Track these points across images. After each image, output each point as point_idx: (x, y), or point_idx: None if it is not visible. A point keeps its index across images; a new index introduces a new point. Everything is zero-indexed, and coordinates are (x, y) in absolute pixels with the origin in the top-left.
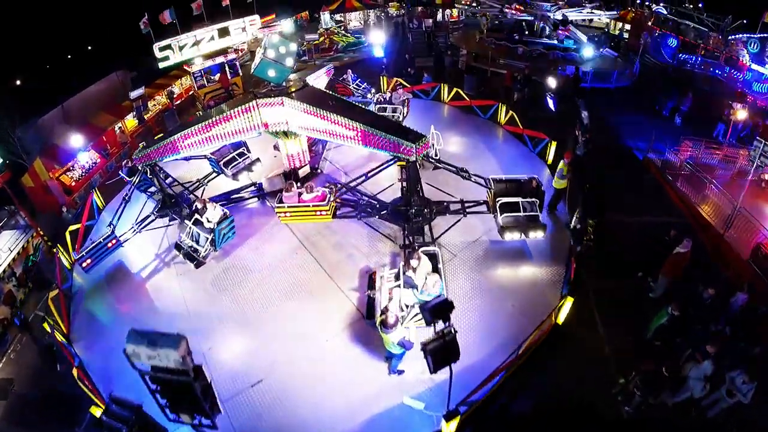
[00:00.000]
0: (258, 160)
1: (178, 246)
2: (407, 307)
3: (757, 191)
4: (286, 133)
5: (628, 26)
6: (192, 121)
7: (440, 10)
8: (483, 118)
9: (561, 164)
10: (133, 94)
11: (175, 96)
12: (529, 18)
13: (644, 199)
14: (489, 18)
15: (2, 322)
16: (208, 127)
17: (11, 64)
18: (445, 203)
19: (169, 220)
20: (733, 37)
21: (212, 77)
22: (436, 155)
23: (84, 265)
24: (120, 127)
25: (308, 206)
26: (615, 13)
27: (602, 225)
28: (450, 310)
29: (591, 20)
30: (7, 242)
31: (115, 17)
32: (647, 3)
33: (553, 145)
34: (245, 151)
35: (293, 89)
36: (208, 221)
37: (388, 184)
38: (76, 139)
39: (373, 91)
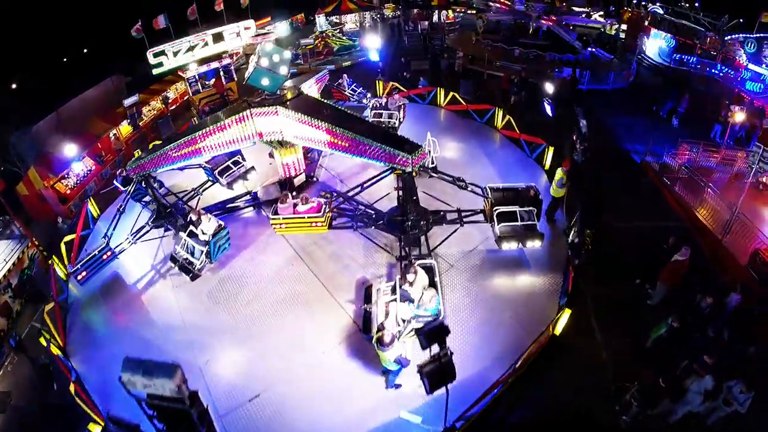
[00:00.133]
0: (253, 168)
1: (173, 258)
2: (404, 321)
3: (755, 194)
4: (281, 143)
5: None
6: (186, 131)
7: (436, 11)
8: (479, 122)
9: (560, 173)
10: (127, 102)
11: (170, 101)
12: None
13: (641, 203)
14: (485, 20)
15: None
16: (202, 137)
17: (6, 66)
18: (441, 212)
19: (164, 231)
20: (729, 37)
21: (207, 82)
22: (432, 163)
23: (79, 277)
24: (115, 134)
25: (303, 218)
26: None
27: (600, 230)
28: (446, 335)
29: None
30: (2, 253)
31: (110, 20)
32: (643, 3)
33: (551, 151)
34: (240, 160)
35: (287, 98)
36: (203, 233)
37: (384, 193)
38: (70, 149)
39: (369, 95)
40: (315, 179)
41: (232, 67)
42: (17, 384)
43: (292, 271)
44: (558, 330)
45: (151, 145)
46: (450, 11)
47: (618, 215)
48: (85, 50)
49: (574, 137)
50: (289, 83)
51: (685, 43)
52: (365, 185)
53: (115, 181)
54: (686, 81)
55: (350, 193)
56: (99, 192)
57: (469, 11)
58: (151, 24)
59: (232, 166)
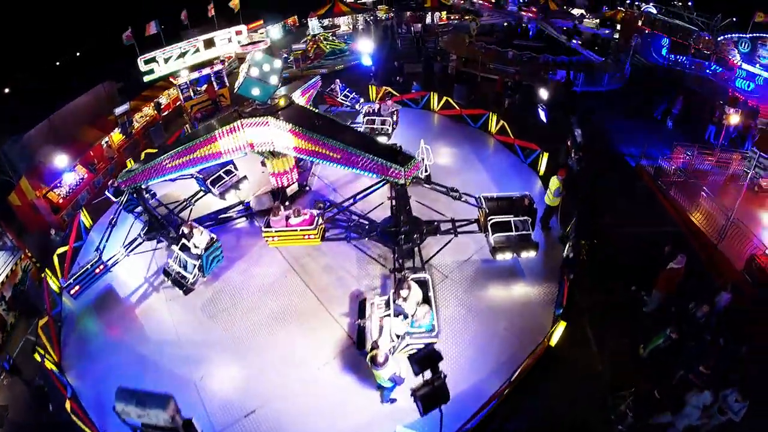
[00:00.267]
0: (245, 177)
1: (166, 272)
2: (398, 337)
3: (751, 197)
4: (273, 153)
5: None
6: (177, 141)
7: (429, 13)
8: (473, 127)
9: (557, 182)
10: (118, 111)
11: (162, 107)
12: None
13: (637, 207)
14: (478, 22)
15: None
16: (193, 149)
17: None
18: (435, 223)
19: (157, 243)
20: (723, 36)
21: (198, 89)
22: (426, 171)
23: (72, 292)
24: (107, 142)
25: (296, 230)
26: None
27: (596, 237)
28: (438, 361)
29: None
30: None
31: (102, 25)
32: (636, 3)
33: (545, 156)
34: (233, 169)
35: (279, 108)
36: (195, 247)
37: (378, 203)
38: (61, 159)
39: (361, 101)
40: (308, 188)
41: (224, 73)
42: (14, 398)
43: (286, 284)
44: (553, 341)
45: (143, 154)
46: (443, 13)
47: (614, 217)
48: (77, 53)
49: (569, 143)
50: (282, 90)
51: (679, 43)
52: (358, 197)
53: (106, 192)
54: (680, 81)
55: (343, 204)
56: (91, 202)
57: (464, 18)
58: (141, 30)
59: (224, 175)
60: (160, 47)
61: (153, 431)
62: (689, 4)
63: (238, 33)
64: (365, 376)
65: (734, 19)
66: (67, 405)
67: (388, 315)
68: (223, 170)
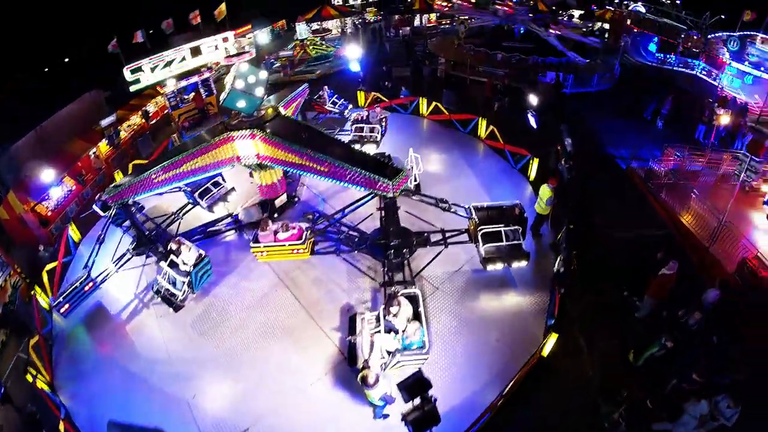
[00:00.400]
0: (233, 189)
1: (156, 290)
2: (389, 354)
3: (742, 196)
4: (260, 165)
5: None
6: (163, 154)
7: (417, 15)
8: (463, 132)
9: (548, 192)
10: (104, 122)
11: (150, 114)
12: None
13: (627, 209)
14: (467, 25)
15: None
16: (180, 163)
17: None
18: (425, 234)
19: (146, 258)
20: (712, 35)
21: (186, 97)
22: (415, 180)
23: (62, 310)
24: (95, 152)
25: (284, 245)
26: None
27: (585, 239)
28: (427, 389)
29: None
30: None
31: (88, 33)
32: (625, 2)
33: (535, 162)
34: (220, 181)
35: (265, 120)
36: (184, 263)
37: (368, 213)
38: (47, 174)
39: (350, 107)
40: (297, 199)
41: (212, 81)
42: (7, 424)
43: (276, 298)
44: (545, 352)
45: (130, 166)
46: (432, 15)
47: (605, 218)
48: (66, 59)
49: (558, 148)
50: (272, 98)
51: (668, 42)
52: (347, 210)
53: (94, 206)
54: (669, 81)
55: (334, 217)
56: (80, 215)
57: (454, 23)
58: (127, 39)
59: (212, 187)
60: (147, 55)
61: None
62: (677, 2)
63: (225, 40)
64: (357, 392)
65: (722, 16)
66: (61, 427)
67: (379, 331)
68: (211, 182)
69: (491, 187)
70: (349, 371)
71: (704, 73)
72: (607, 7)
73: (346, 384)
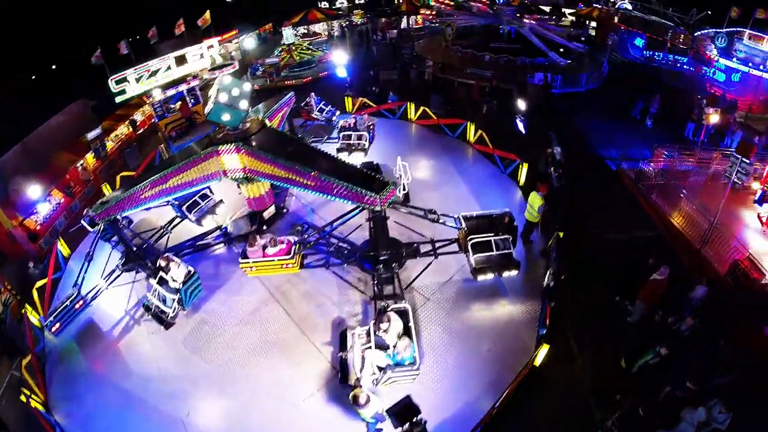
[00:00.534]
0: (221, 201)
1: (146, 307)
2: (380, 369)
3: (732, 195)
4: (247, 178)
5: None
6: (150, 168)
7: (404, 17)
8: (452, 137)
9: (538, 200)
10: (90, 135)
11: (138, 123)
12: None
13: (618, 210)
14: (453, 27)
15: None
16: (166, 178)
17: None
18: (415, 245)
19: (136, 273)
20: (700, 32)
21: (172, 106)
22: (404, 189)
23: (53, 329)
24: (82, 164)
25: (273, 260)
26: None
27: (576, 239)
28: (416, 414)
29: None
30: None
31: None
32: (612, 0)
33: (525, 167)
34: (208, 193)
35: (251, 132)
36: (173, 280)
37: (356, 225)
38: (34, 190)
39: (338, 113)
40: (285, 210)
41: (198, 89)
42: None
43: (267, 313)
44: (537, 361)
45: (118, 178)
46: (419, 17)
47: (595, 219)
48: (53, 66)
49: (548, 150)
50: (260, 106)
51: (655, 40)
52: (335, 223)
53: (82, 221)
54: (657, 78)
55: (324, 230)
56: (68, 229)
57: (439, 22)
58: (110, 50)
59: (200, 200)
60: (131, 65)
61: None
62: None
63: (210, 48)
64: (350, 408)
65: (708, 12)
66: None
67: (370, 347)
68: (199, 195)
69: (481, 193)
70: (341, 387)
71: (692, 70)
72: (595, 5)
73: (339, 400)
